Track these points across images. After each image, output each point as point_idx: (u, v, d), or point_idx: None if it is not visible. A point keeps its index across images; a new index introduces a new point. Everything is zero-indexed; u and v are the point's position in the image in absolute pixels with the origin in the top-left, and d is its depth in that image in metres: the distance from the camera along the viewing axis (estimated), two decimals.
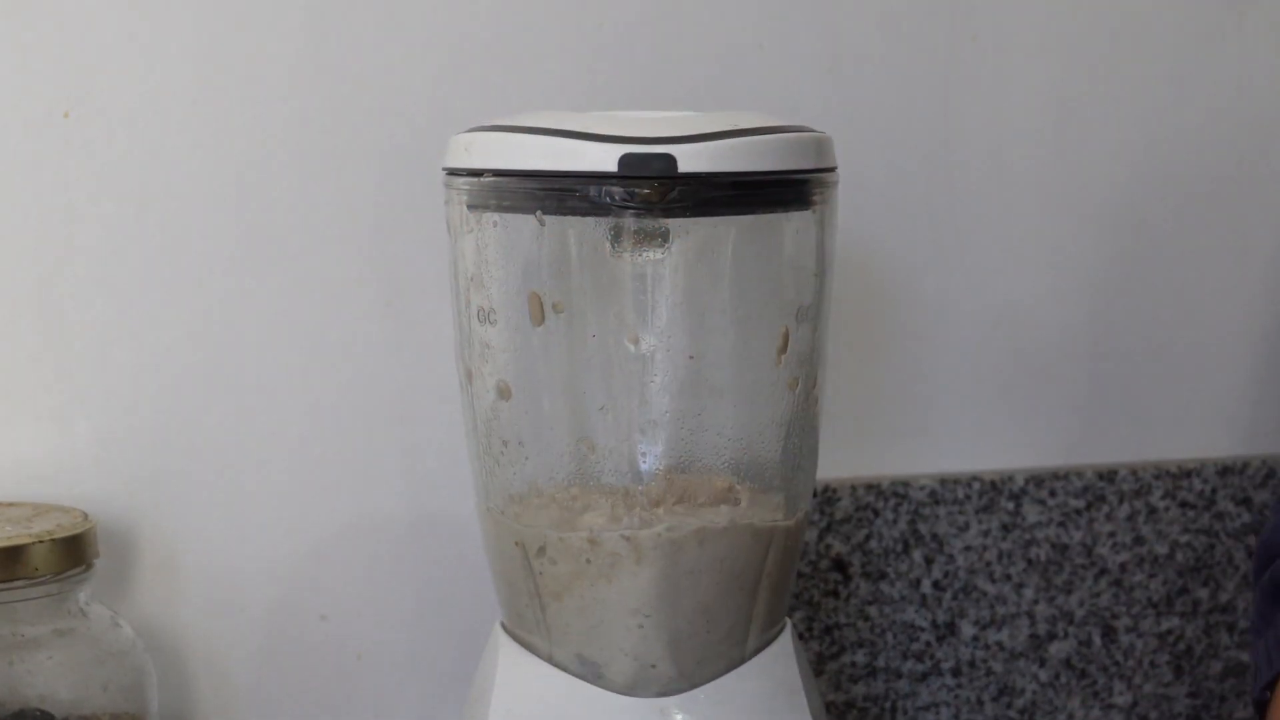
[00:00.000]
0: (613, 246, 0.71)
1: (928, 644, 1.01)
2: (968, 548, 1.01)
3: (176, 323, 0.89)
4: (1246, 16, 1.02)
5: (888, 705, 1.01)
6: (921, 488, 1.00)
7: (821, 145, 0.73)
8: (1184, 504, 1.05)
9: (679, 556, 0.71)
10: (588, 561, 0.71)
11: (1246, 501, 1.06)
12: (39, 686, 0.79)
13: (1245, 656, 1.07)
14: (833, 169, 0.74)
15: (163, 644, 0.90)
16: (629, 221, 0.70)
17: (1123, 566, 1.04)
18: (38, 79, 0.86)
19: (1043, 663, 1.03)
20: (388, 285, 0.92)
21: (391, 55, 0.90)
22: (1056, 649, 1.03)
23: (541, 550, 0.72)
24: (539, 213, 0.71)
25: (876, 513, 1.00)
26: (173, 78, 0.88)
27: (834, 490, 0.99)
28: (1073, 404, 1.05)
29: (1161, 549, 1.05)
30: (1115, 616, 1.04)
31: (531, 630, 0.74)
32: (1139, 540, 1.04)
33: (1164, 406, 1.07)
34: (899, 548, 1.00)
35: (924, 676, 1.02)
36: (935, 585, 1.01)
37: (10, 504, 0.85)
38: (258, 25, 0.89)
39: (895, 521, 1.00)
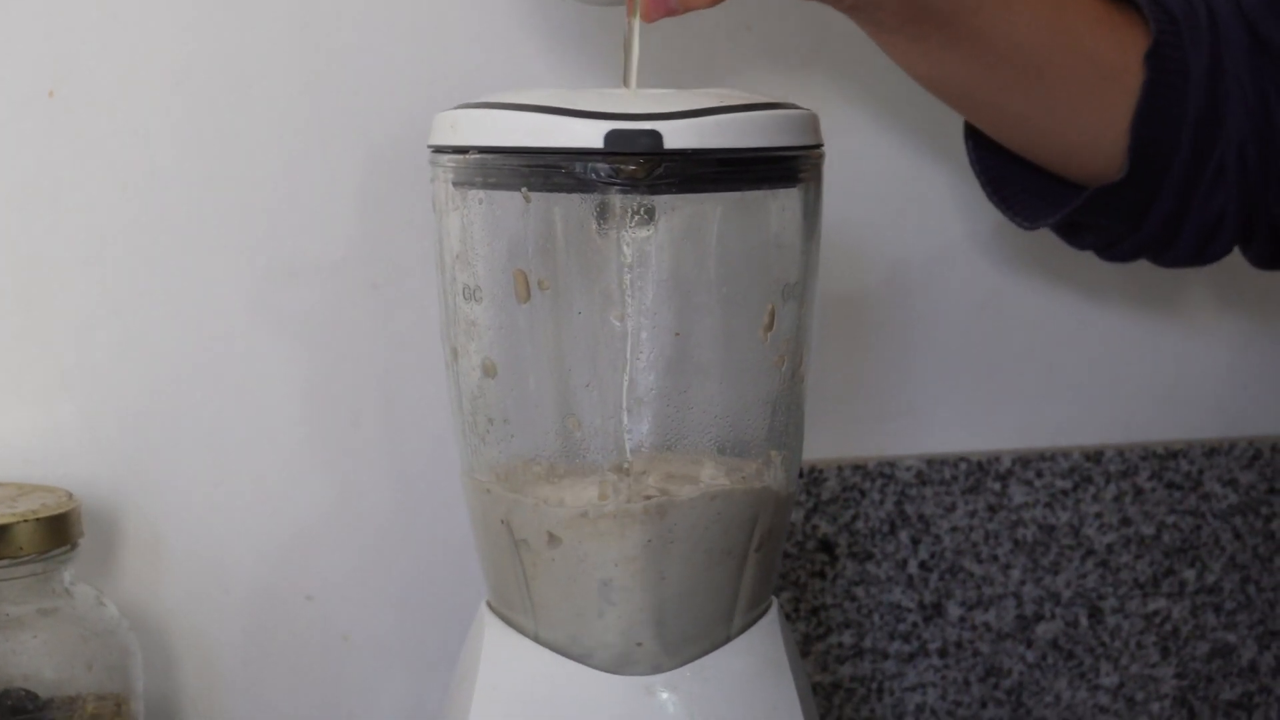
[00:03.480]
0: (598, 223, 0.71)
1: (914, 625, 1.01)
2: (954, 528, 1.01)
3: (161, 303, 0.89)
4: None
5: (874, 686, 1.01)
6: (908, 468, 1.00)
7: (808, 122, 0.73)
8: (1170, 485, 1.05)
9: (664, 533, 0.71)
10: (573, 538, 0.71)
11: (1233, 483, 1.06)
12: (23, 666, 0.79)
13: (1232, 637, 1.07)
14: (819, 146, 0.74)
15: (148, 624, 0.90)
16: (615, 198, 0.70)
17: (1109, 547, 1.04)
18: (21, 58, 0.86)
19: (1030, 644, 1.03)
20: (373, 264, 0.91)
21: (377, 34, 0.90)
22: (1043, 630, 1.04)
23: (527, 528, 0.72)
24: (524, 190, 0.70)
25: (863, 493, 1.00)
26: (157, 57, 0.88)
27: (820, 471, 0.99)
28: (1059, 385, 1.05)
29: (1148, 530, 1.05)
30: (1102, 597, 1.04)
31: (517, 609, 0.74)
32: (1126, 521, 1.04)
33: (1150, 388, 1.07)
34: (885, 528, 1.00)
35: (911, 657, 1.02)
36: (922, 566, 1.01)
37: None
38: (243, 4, 0.88)
39: (882, 502, 1.00)
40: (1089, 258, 1.04)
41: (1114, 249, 0.89)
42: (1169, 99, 0.82)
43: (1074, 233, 0.90)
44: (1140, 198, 0.85)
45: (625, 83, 0.75)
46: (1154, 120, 0.82)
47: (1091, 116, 0.83)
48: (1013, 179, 0.88)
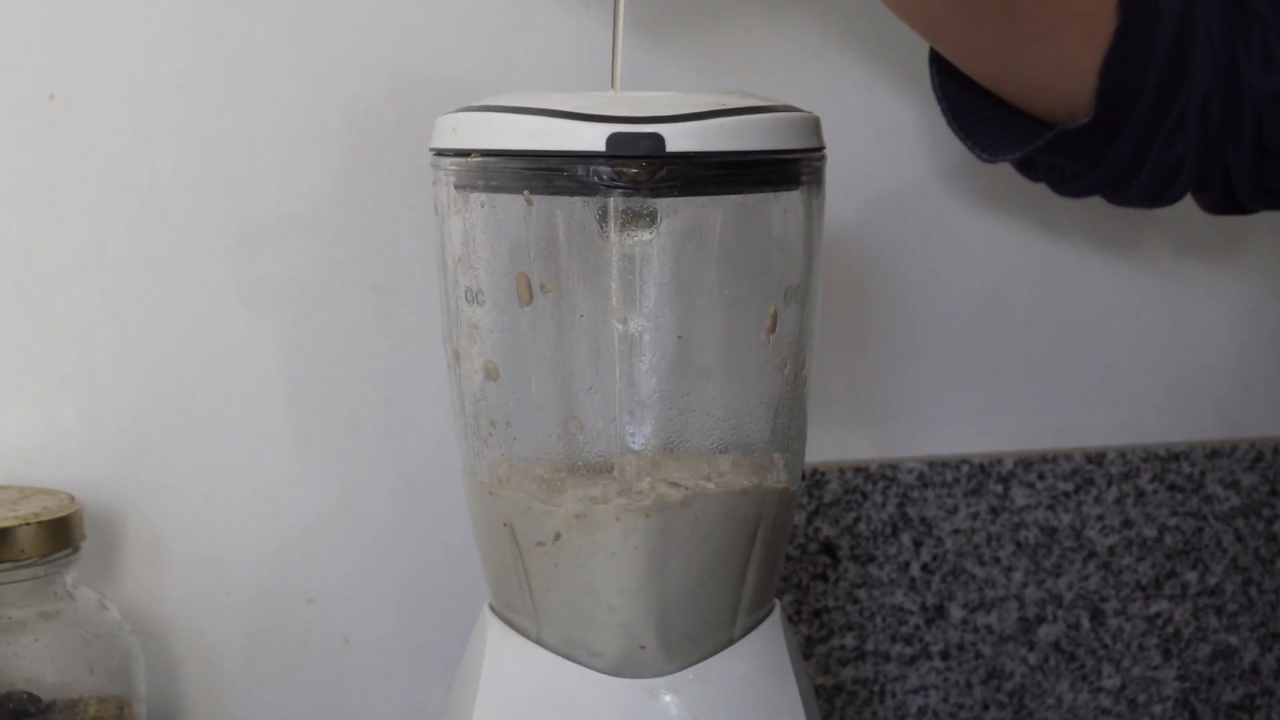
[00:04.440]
0: (600, 226, 0.71)
1: (916, 627, 1.01)
2: (956, 531, 1.01)
3: (162, 305, 0.89)
4: None
5: (877, 688, 1.01)
6: (910, 471, 1.00)
7: (810, 125, 0.73)
8: (1172, 487, 1.05)
9: (667, 534, 0.71)
10: (576, 540, 0.71)
11: (1235, 484, 1.06)
12: (25, 669, 0.79)
13: (1234, 639, 1.07)
14: (821, 149, 0.74)
15: (150, 627, 0.90)
16: (617, 201, 0.70)
17: (1111, 549, 1.04)
18: (21, 60, 0.86)
19: (1031, 646, 1.03)
20: (374, 267, 0.91)
21: (378, 36, 0.90)
22: (1045, 632, 1.04)
23: (529, 530, 0.72)
24: (526, 193, 0.70)
25: (865, 496, 1.00)
26: (157, 58, 0.88)
27: (822, 473, 0.99)
28: (1060, 387, 1.05)
29: (1150, 532, 1.05)
30: (1104, 600, 1.04)
31: (519, 611, 0.74)
32: (1127, 523, 1.04)
33: (1152, 389, 1.07)
34: (887, 531, 1.00)
35: (913, 660, 1.02)
36: (924, 568, 1.01)
37: None
38: (243, 5, 0.88)
39: (884, 504, 1.00)
40: (1087, 257, 1.04)
41: (1069, 185, 0.90)
42: (1138, 45, 0.82)
43: (1029, 168, 0.91)
44: (1101, 141, 0.85)
45: (612, 67, 0.76)
46: (1123, 66, 0.82)
47: (1060, 57, 0.83)
48: (974, 109, 0.88)
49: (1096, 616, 1.04)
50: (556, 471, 0.73)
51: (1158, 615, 1.05)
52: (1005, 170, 1.01)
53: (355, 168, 0.91)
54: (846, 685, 1.01)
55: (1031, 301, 1.03)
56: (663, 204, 0.70)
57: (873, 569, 1.00)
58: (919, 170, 1.00)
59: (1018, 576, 1.03)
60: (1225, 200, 0.88)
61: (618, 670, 0.73)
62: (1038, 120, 0.87)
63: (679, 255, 0.72)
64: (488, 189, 0.72)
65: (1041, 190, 1.02)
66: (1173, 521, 1.05)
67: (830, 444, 0.99)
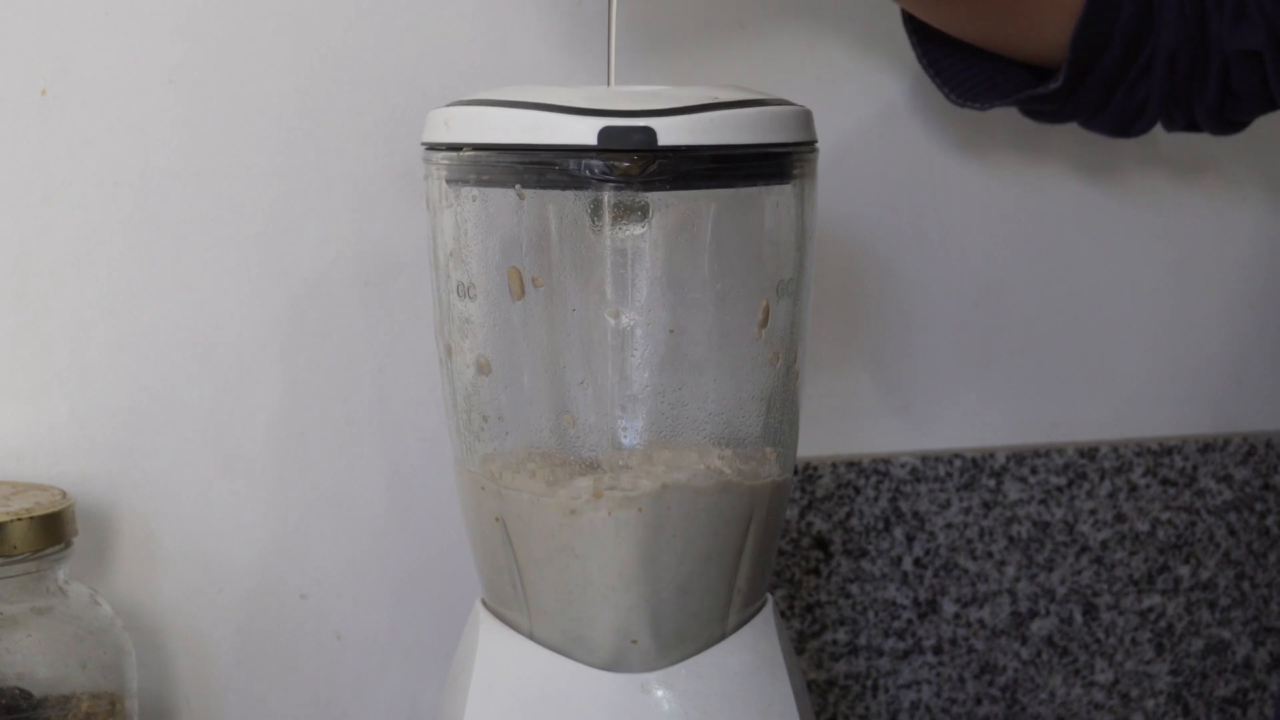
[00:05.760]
0: (592, 220, 0.71)
1: (909, 622, 1.01)
2: (949, 525, 1.01)
3: (155, 302, 0.89)
4: None
5: (869, 683, 1.01)
6: (902, 465, 1.00)
7: (802, 119, 0.72)
8: (1165, 481, 1.05)
9: (658, 529, 0.71)
10: (567, 534, 0.71)
11: (1227, 479, 1.06)
12: (17, 665, 0.79)
13: (1226, 634, 1.07)
14: (813, 143, 0.74)
15: (142, 623, 0.89)
16: (609, 195, 0.70)
17: (1104, 544, 1.04)
18: (14, 56, 0.86)
19: (1024, 640, 1.03)
20: (367, 262, 0.91)
21: (370, 32, 0.90)
22: (1038, 627, 1.04)
23: (521, 524, 0.72)
24: (518, 187, 0.70)
25: (857, 490, 1.00)
26: (151, 55, 0.87)
27: (815, 468, 0.99)
28: (1053, 381, 1.05)
29: (1143, 526, 1.05)
30: (1096, 594, 1.04)
31: (512, 606, 0.74)
32: (1120, 518, 1.04)
33: (1145, 384, 1.07)
34: (880, 525, 1.00)
35: (905, 654, 1.02)
36: (916, 563, 1.01)
37: None
38: (237, 3, 0.88)
39: (876, 499, 1.00)
40: (1080, 253, 1.04)
41: (1038, 115, 0.92)
42: (1107, 9, 0.84)
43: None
44: (1069, 91, 0.87)
45: (608, 62, 0.76)
46: (1092, 32, 0.84)
47: (1030, 22, 0.85)
48: (947, 53, 0.89)
49: (1089, 611, 1.04)
50: (548, 466, 0.73)
51: (1150, 610, 1.05)
52: (1000, 166, 1.01)
53: (347, 163, 0.90)
54: (839, 680, 1.01)
55: (1025, 296, 1.04)
56: (654, 198, 0.70)
57: (865, 564, 1.00)
58: (912, 164, 1.00)
59: (1010, 571, 1.03)
60: (1186, 126, 0.90)
61: (610, 665, 0.73)
62: (1008, 62, 0.88)
63: (671, 249, 0.72)
64: (479, 183, 0.72)
65: (1039, 186, 1.02)
66: (1165, 516, 1.05)
67: (822, 438, 0.99)
